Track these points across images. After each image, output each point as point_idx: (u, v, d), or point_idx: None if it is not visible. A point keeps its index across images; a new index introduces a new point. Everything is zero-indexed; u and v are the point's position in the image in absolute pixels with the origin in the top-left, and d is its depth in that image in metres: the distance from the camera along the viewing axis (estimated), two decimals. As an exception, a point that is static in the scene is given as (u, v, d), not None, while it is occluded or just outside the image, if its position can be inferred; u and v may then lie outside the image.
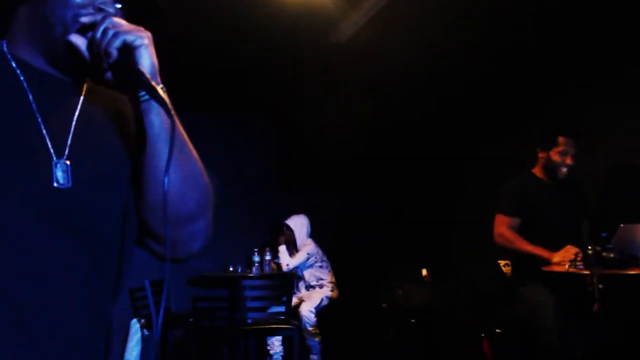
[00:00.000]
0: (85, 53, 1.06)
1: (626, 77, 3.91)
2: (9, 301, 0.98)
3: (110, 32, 1.02)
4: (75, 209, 1.06)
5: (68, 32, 1.07)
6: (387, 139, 6.44)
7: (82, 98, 1.16)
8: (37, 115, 1.07)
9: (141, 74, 1.02)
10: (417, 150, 6.26)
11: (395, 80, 5.39)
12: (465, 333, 4.69)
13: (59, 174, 1.05)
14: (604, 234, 2.86)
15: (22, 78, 1.09)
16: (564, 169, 3.57)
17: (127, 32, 1.03)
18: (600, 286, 2.67)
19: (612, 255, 2.75)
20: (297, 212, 6.14)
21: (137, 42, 1.03)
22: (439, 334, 5.05)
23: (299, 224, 6.04)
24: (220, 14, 4.29)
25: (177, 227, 1.13)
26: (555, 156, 3.58)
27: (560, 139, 3.57)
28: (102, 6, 1.10)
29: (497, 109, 5.19)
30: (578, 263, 2.90)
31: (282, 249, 5.94)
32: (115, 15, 1.09)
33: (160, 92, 1.03)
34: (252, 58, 5.15)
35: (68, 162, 1.06)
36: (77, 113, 1.13)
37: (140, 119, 1.08)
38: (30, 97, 1.08)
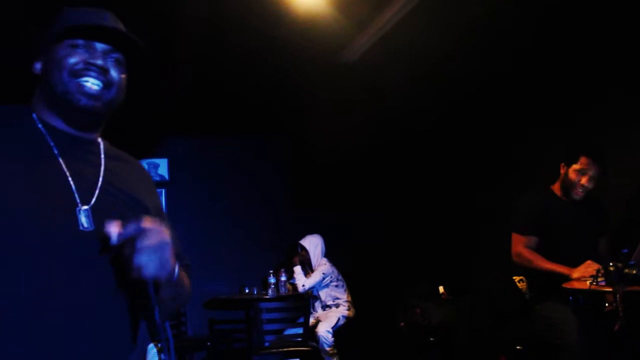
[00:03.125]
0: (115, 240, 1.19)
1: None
2: (46, 329, 1.14)
3: (146, 259, 1.17)
4: (98, 248, 1.22)
5: (68, 91, 1.26)
6: (402, 156, 6.44)
7: (103, 155, 1.37)
8: (65, 170, 1.27)
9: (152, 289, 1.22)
10: (433, 168, 6.25)
11: (408, 98, 5.41)
12: (484, 351, 4.65)
13: (83, 219, 1.23)
14: (625, 250, 2.81)
15: (49, 139, 1.29)
16: (579, 190, 3.49)
17: (160, 268, 1.19)
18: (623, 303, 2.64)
19: (634, 271, 2.70)
20: (312, 232, 6.14)
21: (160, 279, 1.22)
22: (457, 352, 5.01)
23: (313, 244, 6.03)
24: (233, 40, 4.34)
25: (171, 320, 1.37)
26: (572, 174, 3.51)
27: (582, 158, 3.48)
28: (91, 60, 1.28)
29: (514, 127, 5.18)
30: (600, 280, 2.86)
31: (298, 269, 5.93)
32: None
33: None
34: (265, 80, 5.18)
35: (90, 209, 1.25)
36: (102, 168, 1.33)
37: None
38: (58, 156, 1.28)
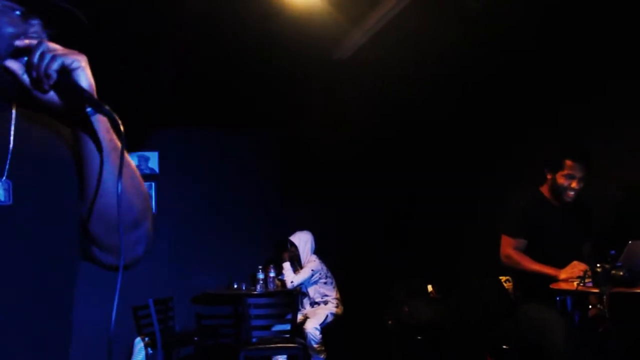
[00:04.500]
0: (23, 77, 1.10)
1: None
2: None
3: (48, 56, 1.06)
4: (18, 225, 1.09)
5: (3, 59, 1.10)
6: (392, 153, 6.44)
7: (13, 121, 1.19)
8: None
9: (84, 90, 1.08)
10: (422, 165, 6.25)
11: (399, 94, 5.41)
12: (470, 350, 4.65)
13: (0, 192, 1.09)
14: (612, 252, 2.81)
15: None
16: (571, 193, 3.49)
17: (63, 55, 1.07)
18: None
19: (621, 273, 2.70)
20: (302, 229, 6.12)
21: (75, 65, 1.07)
22: (444, 350, 5.02)
23: (303, 240, 6.02)
24: (227, 32, 4.32)
25: (124, 233, 1.16)
26: (561, 179, 3.49)
27: (567, 163, 3.47)
28: (34, 34, 1.13)
29: (503, 124, 5.19)
30: (587, 281, 2.86)
31: (287, 265, 5.92)
32: (47, 40, 1.13)
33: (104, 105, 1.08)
34: (257, 75, 5.16)
35: (9, 181, 1.10)
36: (12, 134, 1.17)
37: (85, 135, 1.12)
38: None
